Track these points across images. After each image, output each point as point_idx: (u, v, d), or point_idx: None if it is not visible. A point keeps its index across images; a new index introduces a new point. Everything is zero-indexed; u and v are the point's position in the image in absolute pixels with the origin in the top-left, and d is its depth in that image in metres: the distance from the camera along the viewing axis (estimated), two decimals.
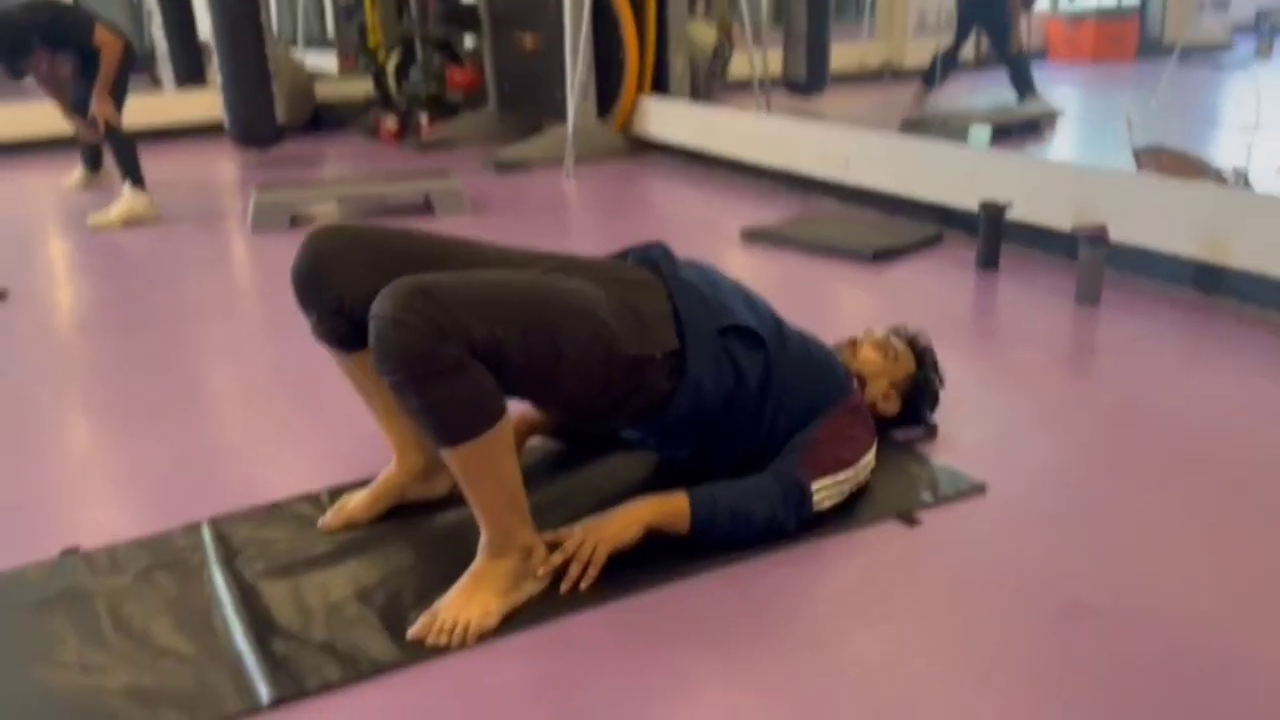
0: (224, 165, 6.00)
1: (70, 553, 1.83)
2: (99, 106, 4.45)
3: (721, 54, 7.09)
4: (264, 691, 1.44)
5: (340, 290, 1.71)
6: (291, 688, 1.45)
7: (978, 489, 1.96)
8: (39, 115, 5.64)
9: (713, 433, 1.85)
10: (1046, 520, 1.87)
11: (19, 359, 2.93)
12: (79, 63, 4.54)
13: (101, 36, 4.46)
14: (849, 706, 1.40)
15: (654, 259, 1.85)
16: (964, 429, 2.22)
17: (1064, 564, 1.72)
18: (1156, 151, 3.16)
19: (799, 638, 1.55)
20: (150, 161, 4.62)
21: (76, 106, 4.66)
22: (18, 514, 2.01)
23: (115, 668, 1.50)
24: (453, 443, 1.51)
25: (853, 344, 2.15)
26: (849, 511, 1.86)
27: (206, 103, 6.66)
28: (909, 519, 1.86)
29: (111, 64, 4.46)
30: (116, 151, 4.57)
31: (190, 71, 7.48)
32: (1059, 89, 7.51)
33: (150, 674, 1.49)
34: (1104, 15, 9.85)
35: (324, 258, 1.73)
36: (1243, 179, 3.11)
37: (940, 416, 2.22)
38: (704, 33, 7.13)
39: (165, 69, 7.65)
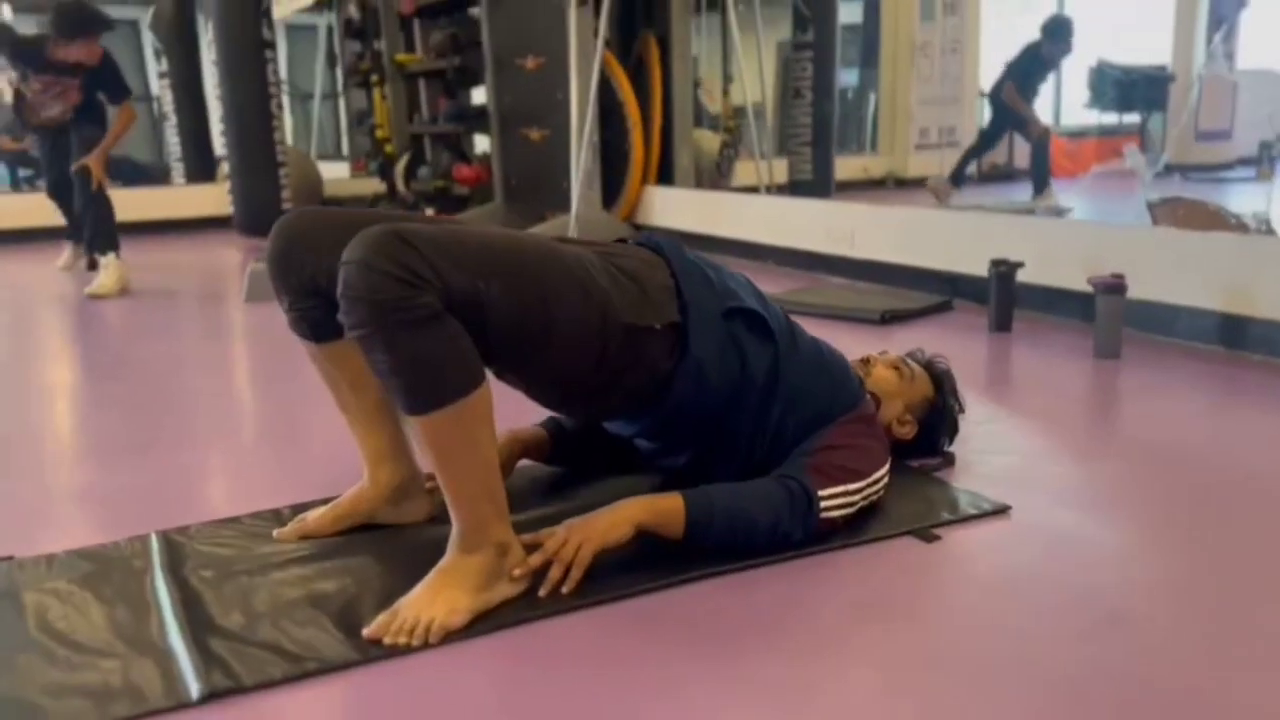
0: (229, 252, 5.99)
1: (3, 561, 1.66)
2: (96, 165, 4.52)
3: (727, 156, 7.17)
4: (195, 688, 1.26)
5: (313, 269, 1.56)
6: (225, 684, 1.27)
7: (1001, 510, 1.79)
8: (35, 206, 5.69)
9: (715, 432, 1.69)
10: (1073, 542, 1.69)
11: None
12: (84, 107, 4.65)
13: (128, 107, 4.69)
14: (853, 714, 1.22)
15: (657, 242, 1.73)
16: (984, 458, 2.07)
17: (1092, 581, 1.54)
18: (1172, 204, 3.08)
19: (802, 644, 1.37)
20: (158, 248, 4.63)
21: (75, 128, 4.70)
22: None
23: (35, 668, 1.32)
24: (423, 409, 1.36)
25: (866, 362, 2.00)
26: (861, 527, 1.69)
27: (215, 197, 6.73)
28: (927, 536, 1.69)
29: (122, 129, 4.65)
30: (100, 212, 4.61)
31: (203, 173, 7.60)
32: (1062, 196, 7.54)
33: (72, 673, 1.31)
34: (1105, 133, 10.02)
35: (295, 237, 1.60)
36: (1265, 224, 3.01)
37: (958, 447, 2.07)
38: (709, 140, 7.24)
39: (177, 169, 7.79)
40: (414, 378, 1.34)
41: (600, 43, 5.23)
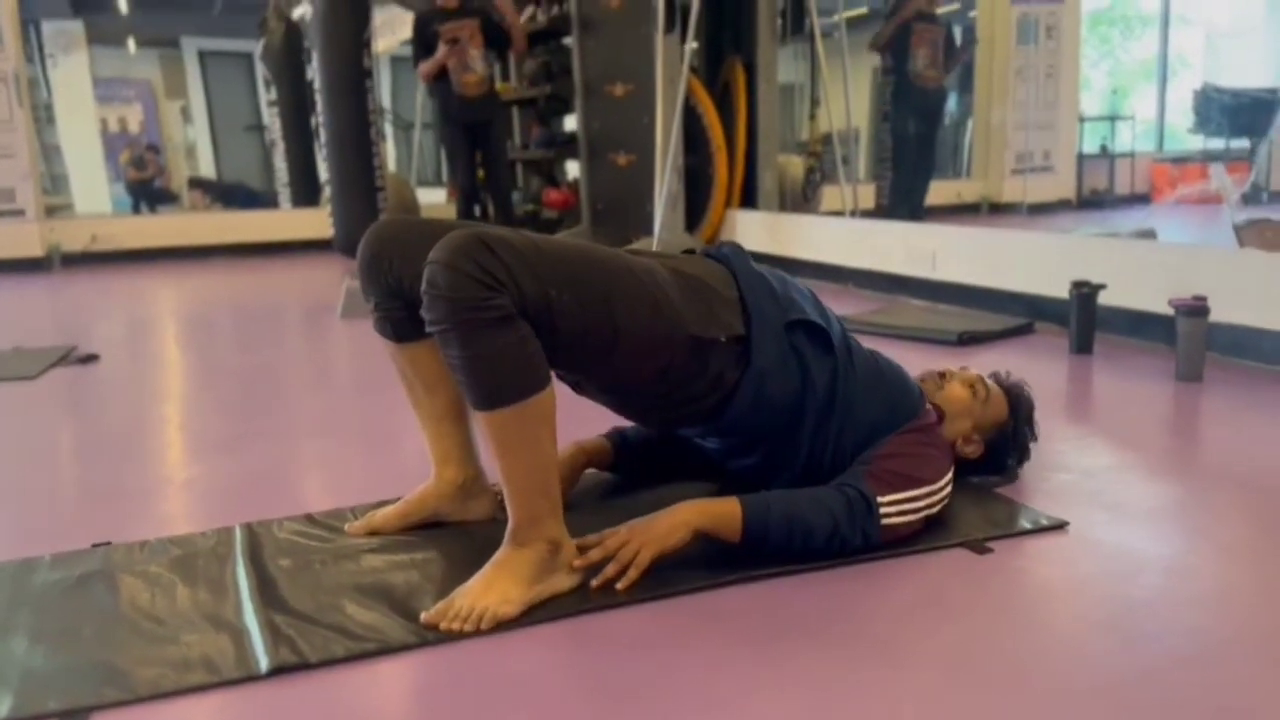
0: (328, 272, 6.24)
1: (101, 545, 1.80)
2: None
3: (812, 181, 7.18)
4: (264, 662, 1.35)
5: (399, 273, 1.66)
6: (292, 659, 1.36)
7: (1058, 525, 1.79)
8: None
9: (777, 440, 1.74)
10: (1129, 558, 1.67)
11: (114, 396, 3.00)
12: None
13: None
14: (880, 703, 1.24)
15: (724, 254, 1.78)
16: (1049, 475, 2.05)
17: (1144, 596, 1.53)
18: (1260, 225, 3.00)
19: (839, 638, 1.39)
20: (265, 269, 4.83)
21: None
22: (62, 516, 2.00)
23: (124, 640, 1.43)
24: (491, 405, 1.45)
25: (942, 376, 1.99)
26: (913, 537, 1.70)
27: (318, 221, 7.02)
28: (978, 548, 1.70)
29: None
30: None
31: (309, 198, 7.95)
32: (1159, 223, 7.35)
33: (156, 644, 1.42)
34: (1209, 158, 9.70)
35: (386, 241, 1.70)
36: None
37: (1024, 464, 2.06)
38: (795, 165, 7.25)
39: (285, 194, 8.15)
40: (483, 374, 1.43)
41: (685, 69, 5.33)
